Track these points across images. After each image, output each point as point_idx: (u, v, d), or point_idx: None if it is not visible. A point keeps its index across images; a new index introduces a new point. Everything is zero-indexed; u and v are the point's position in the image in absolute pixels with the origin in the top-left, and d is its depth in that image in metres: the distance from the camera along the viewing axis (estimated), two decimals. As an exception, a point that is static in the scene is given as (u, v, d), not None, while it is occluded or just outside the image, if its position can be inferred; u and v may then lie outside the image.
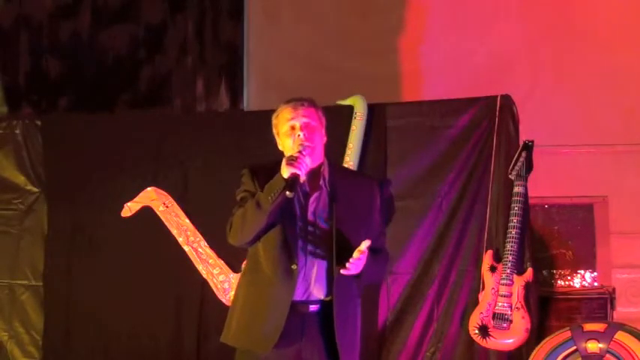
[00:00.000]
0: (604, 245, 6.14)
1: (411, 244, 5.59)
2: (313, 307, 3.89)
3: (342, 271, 3.80)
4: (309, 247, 3.88)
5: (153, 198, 5.68)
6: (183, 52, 6.87)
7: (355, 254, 3.77)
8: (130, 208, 5.67)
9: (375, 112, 5.65)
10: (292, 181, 3.75)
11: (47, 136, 5.83)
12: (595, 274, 6.08)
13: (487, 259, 5.46)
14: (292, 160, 3.79)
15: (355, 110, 5.62)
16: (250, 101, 6.81)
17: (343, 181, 3.98)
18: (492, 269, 5.43)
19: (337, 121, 5.65)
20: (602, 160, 6.32)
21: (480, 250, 5.53)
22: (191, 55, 6.90)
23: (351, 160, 5.54)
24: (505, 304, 5.35)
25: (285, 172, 3.77)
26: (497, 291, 5.37)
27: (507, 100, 5.58)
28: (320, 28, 6.65)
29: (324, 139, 3.99)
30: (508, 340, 5.34)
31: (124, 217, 5.67)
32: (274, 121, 4.01)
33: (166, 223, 5.67)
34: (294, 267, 3.85)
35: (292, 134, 3.91)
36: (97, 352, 5.65)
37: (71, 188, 5.76)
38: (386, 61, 6.57)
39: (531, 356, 5.25)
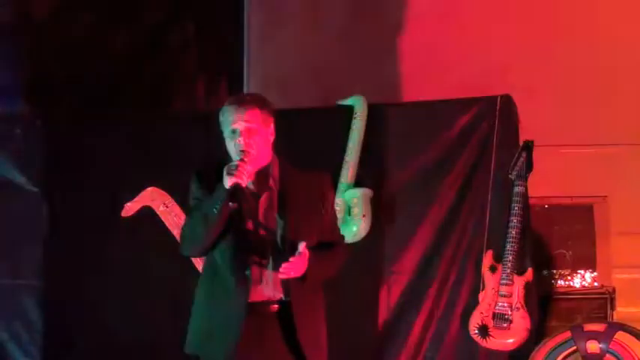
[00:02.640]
0: (604, 245, 6.13)
1: (411, 244, 5.60)
2: (273, 308, 3.87)
3: (279, 275, 3.79)
4: (262, 249, 3.85)
5: (153, 198, 5.68)
6: (184, 52, 6.86)
7: (292, 258, 3.74)
8: (129, 208, 5.67)
9: (375, 112, 5.65)
10: (234, 191, 3.72)
11: (47, 135, 5.83)
12: (595, 274, 6.08)
13: (487, 259, 5.46)
14: (232, 169, 3.74)
15: (355, 110, 5.62)
16: (250, 101, 6.79)
17: (294, 178, 3.94)
18: (492, 269, 5.43)
19: (337, 121, 5.66)
20: (602, 160, 6.32)
21: (480, 250, 5.53)
22: (191, 55, 6.89)
23: (351, 160, 5.54)
24: (505, 304, 5.35)
25: (227, 181, 3.73)
26: (498, 291, 5.38)
27: (507, 100, 5.59)
28: (320, 29, 6.65)
29: (271, 137, 3.93)
30: (508, 340, 5.34)
31: (124, 217, 5.67)
32: (220, 118, 3.95)
33: (166, 223, 5.67)
34: (247, 272, 3.83)
35: (233, 137, 3.87)
36: (98, 352, 5.65)
37: (71, 188, 5.76)
38: (386, 61, 6.57)
39: (531, 356, 5.25)
